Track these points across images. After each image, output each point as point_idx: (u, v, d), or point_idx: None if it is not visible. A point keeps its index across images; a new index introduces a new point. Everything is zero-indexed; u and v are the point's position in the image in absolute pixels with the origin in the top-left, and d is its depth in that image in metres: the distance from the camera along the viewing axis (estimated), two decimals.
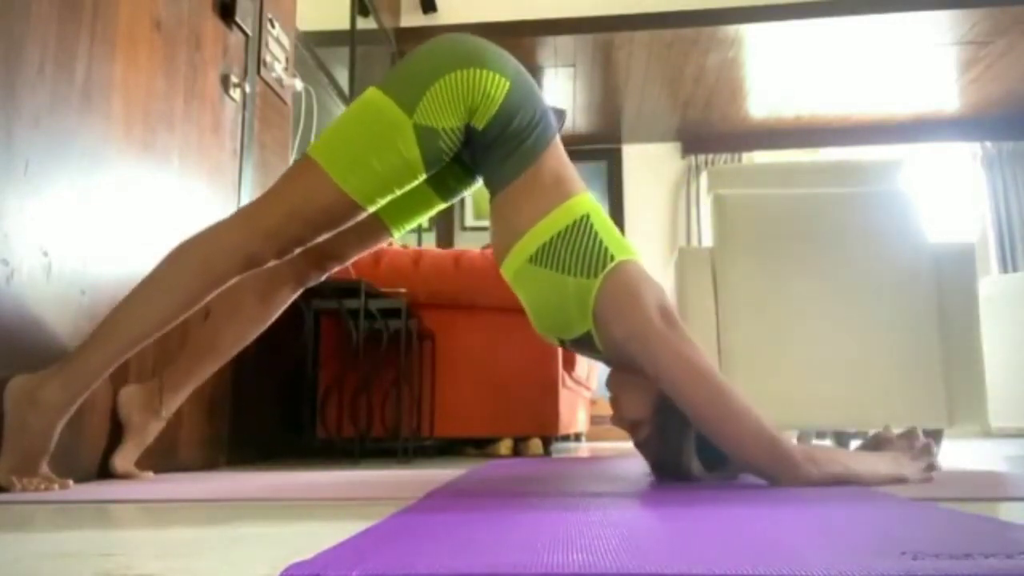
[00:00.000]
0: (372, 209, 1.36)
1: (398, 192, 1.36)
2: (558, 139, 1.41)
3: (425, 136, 1.31)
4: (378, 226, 1.53)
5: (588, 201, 1.37)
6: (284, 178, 1.36)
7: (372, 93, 1.33)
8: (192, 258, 1.35)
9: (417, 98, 1.30)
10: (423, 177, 1.36)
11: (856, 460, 1.26)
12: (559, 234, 1.33)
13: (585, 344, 1.38)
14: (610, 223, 1.38)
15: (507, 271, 1.40)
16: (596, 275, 1.31)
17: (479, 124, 1.34)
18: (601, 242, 1.33)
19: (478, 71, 1.32)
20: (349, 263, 1.64)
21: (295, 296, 1.62)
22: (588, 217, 1.35)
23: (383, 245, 1.62)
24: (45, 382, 1.31)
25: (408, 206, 1.53)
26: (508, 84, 1.34)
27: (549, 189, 1.35)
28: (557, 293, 1.33)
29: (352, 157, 1.30)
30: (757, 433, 1.21)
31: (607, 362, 1.42)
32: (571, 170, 1.40)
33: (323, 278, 1.62)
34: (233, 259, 1.34)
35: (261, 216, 1.34)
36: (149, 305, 1.34)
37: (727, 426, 1.22)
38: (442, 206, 1.55)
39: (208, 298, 1.38)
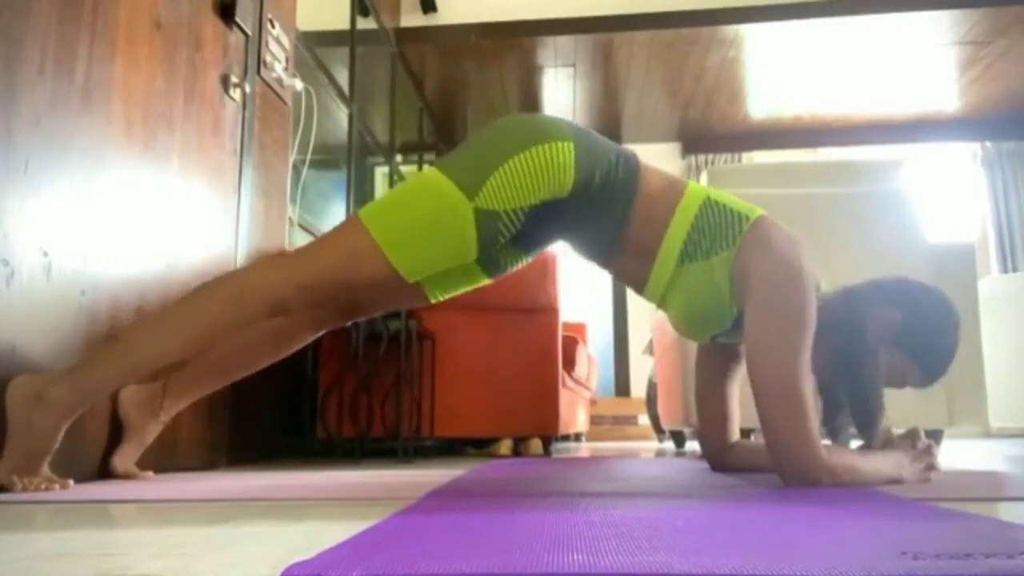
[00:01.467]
0: (413, 281, 1.34)
1: (443, 269, 1.34)
2: (641, 161, 1.41)
3: (485, 220, 1.29)
4: (417, 293, 1.51)
5: (699, 186, 1.39)
6: (331, 235, 1.33)
7: (433, 174, 1.31)
8: (221, 291, 1.32)
9: (480, 183, 1.28)
10: (473, 258, 1.34)
11: (862, 461, 1.27)
12: (693, 226, 1.35)
13: (739, 328, 1.40)
14: (728, 194, 1.40)
15: (658, 285, 1.40)
16: (735, 243, 1.33)
17: (563, 193, 1.33)
18: (731, 210, 1.36)
19: (540, 147, 1.30)
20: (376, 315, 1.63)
21: (313, 339, 1.61)
22: (709, 197, 1.37)
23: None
24: (53, 382, 1.30)
25: (452, 280, 1.50)
26: (572, 145, 1.32)
27: (661, 200, 1.36)
28: (707, 279, 1.35)
29: (404, 231, 1.28)
30: (806, 420, 1.23)
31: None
32: (667, 174, 1.41)
33: (347, 324, 1.61)
34: (262, 300, 1.30)
35: (300, 266, 1.31)
36: (169, 331, 1.32)
37: (784, 403, 1.24)
38: (487, 282, 1.52)
39: (228, 335, 1.36)
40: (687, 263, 1.35)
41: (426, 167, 1.33)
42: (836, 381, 1.42)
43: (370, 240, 1.29)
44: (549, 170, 1.30)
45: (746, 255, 1.32)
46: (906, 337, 1.38)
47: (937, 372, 1.41)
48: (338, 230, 1.33)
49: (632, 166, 1.38)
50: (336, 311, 1.55)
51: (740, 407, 1.73)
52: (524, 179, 1.29)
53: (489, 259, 1.46)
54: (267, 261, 1.34)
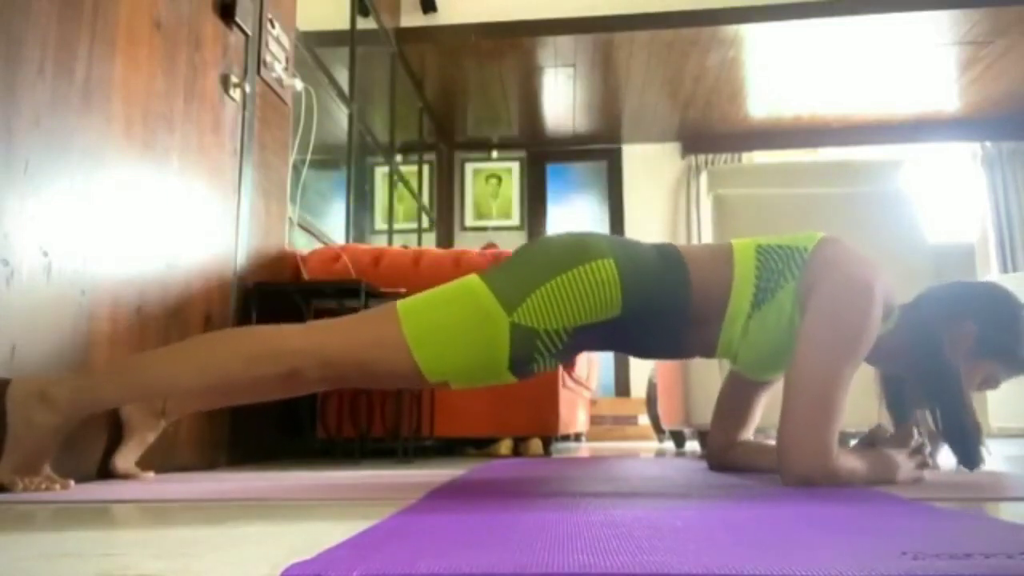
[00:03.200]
0: (434, 381, 1.31)
1: (467, 376, 1.31)
2: (674, 245, 1.40)
3: (520, 336, 1.27)
4: (439, 384, 1.43)
5: (744, 240, 1.40)
6: (364, 317, 1.32)
7: (475, 281, 1.30)
8: (241, 345, 1.29)
9: (520, 299, 1.27)
10: (502, 371, 1.31)
11: (861, 463, 1.27)
12: (757, 275, 1.35)
13: None
14: (775, 235, 1.41)
15: (729, 344, 1.39)
16: (798, 272, 1.35)
17: (613, 311, 1.30)
18: (786, 247, 1.37)
19: (582, 268, 1.29)
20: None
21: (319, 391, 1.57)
22: (760, 246, 1.38)
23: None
24: (57, 383, 1.30)
25: (477, 378, 1.39)
26: (613, 262, 1.31)
27: (714, 269, 1.36)
28: (776, 316, 1.35)
29: (435, 332, 1.27)
30: (830, 427, 1.23)
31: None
32: (705, 244, 1.42)
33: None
34: (280, 364, 1.27)
35: (325, 343, 1.28)
36: (182, 370, 1.29)
37: (815, 406, 1.23)
38: (513, 381, 1.43)
39: (236, 390, 1.33)
40: (757, 308, 1.35)
41: (471, 275, 1.31)
42: (914, 398, 1.45)
43: (399, 333, 1.27)
44: (593, 290, 1.29)
45: (812, 278, 1.33)
46: (986, 343, 1.38)
47: None
48: (372, 315, 1.32)
49: (673, 253, 1.37)
50: (351, 383, 1.53)
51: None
52: (567, 300, 1.28)
53: (521, 369, 1.35)
54: (292, 329, 1.31)
